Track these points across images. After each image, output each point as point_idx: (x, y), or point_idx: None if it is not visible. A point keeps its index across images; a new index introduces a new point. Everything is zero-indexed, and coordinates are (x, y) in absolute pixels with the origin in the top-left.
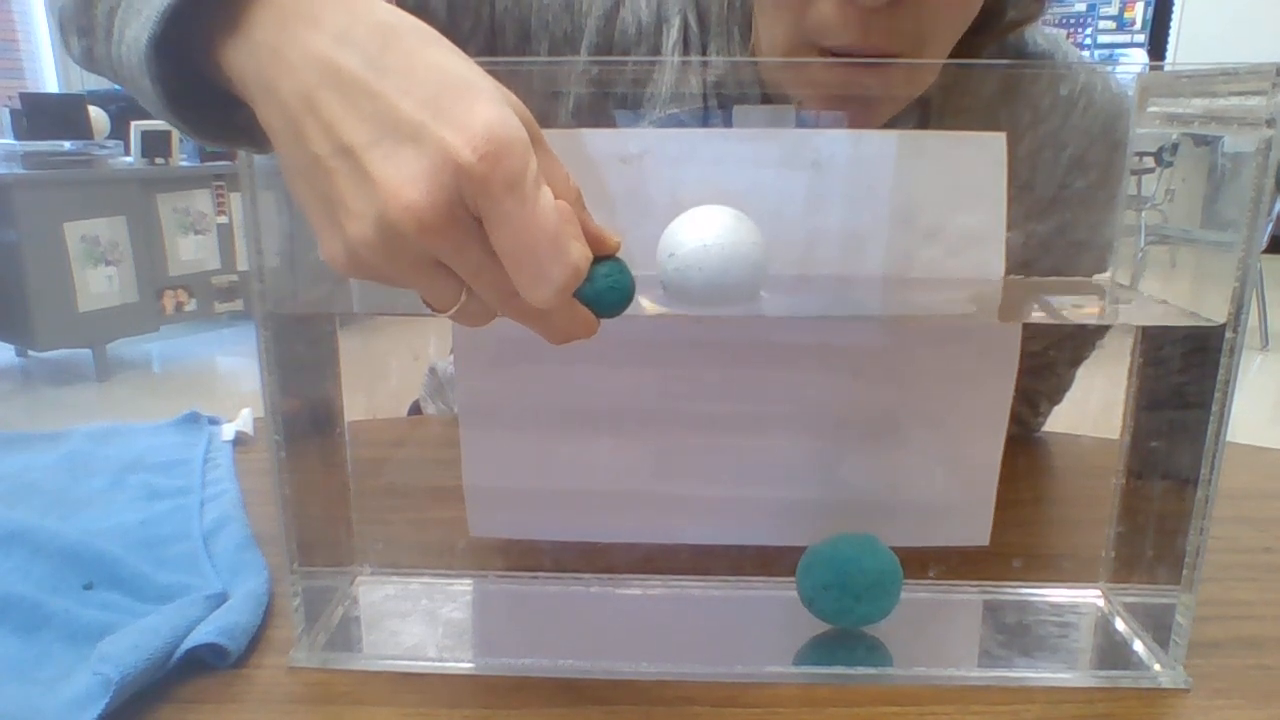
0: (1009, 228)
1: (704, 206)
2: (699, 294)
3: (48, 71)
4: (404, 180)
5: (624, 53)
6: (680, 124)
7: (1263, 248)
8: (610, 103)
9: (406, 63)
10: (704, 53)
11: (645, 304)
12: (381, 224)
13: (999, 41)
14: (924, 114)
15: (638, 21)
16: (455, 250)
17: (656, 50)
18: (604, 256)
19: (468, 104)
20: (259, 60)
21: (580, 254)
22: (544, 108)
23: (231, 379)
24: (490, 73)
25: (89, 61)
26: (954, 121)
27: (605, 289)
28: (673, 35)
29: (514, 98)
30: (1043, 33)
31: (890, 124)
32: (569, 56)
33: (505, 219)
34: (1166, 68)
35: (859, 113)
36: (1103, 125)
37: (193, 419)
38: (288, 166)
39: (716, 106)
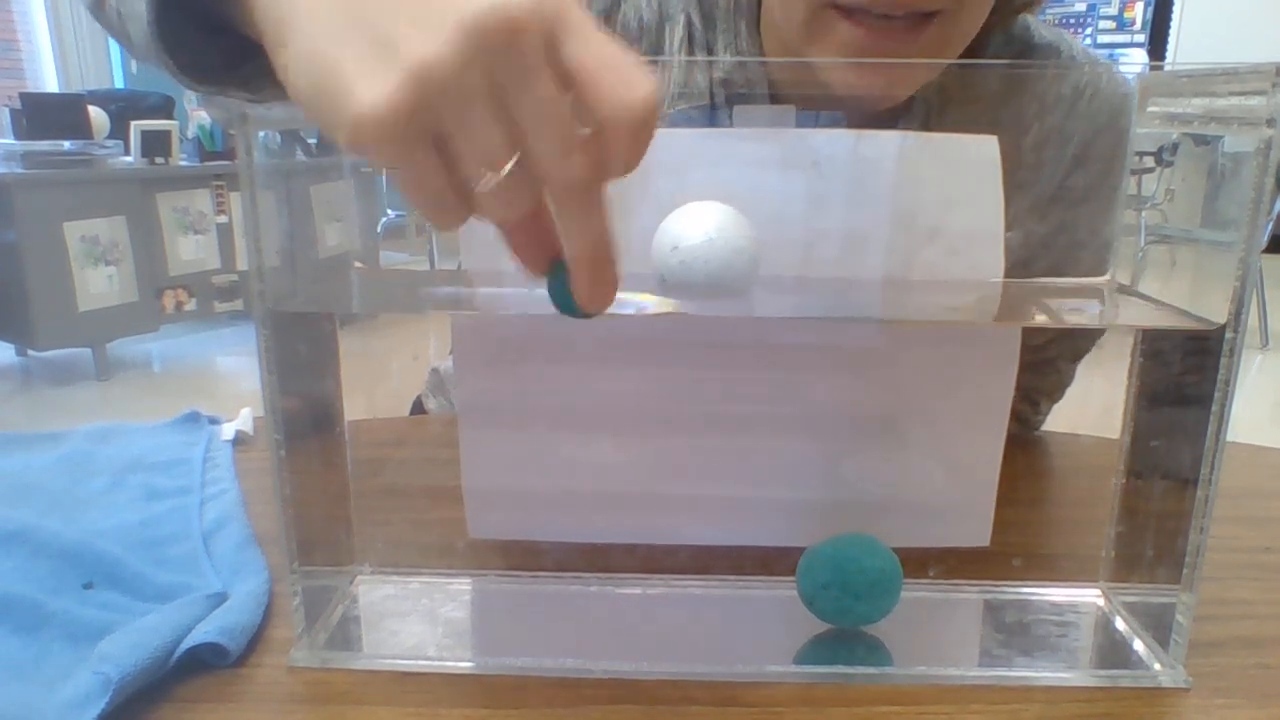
0: (1011, 225)
1: (698, 202)
2: (701, 287)
3: (48, 71)
4: None
5: None
6: (688, 120)
7: (1263, 247)
8: None
9: None
10: (709, 49)
11: (646, 300)
12: (465, 28)
13: (1005, 29)
14: (929, 105)
15: (639, 19)
16: (531, 70)
17: (658, 47)
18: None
19: None
20: None
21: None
22: None
23: (231, 379)
24: None
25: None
26: (959, 114)
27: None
28: (678, 33)
29: None
30: (1047, 26)
31: (897, 115)
32: None
33: (584, 30)
34: (1166, 68)
35: (890, 79)
36: (1109, 114)
37: (193, 418)
38: (319, 22)
39: (724, 102)
